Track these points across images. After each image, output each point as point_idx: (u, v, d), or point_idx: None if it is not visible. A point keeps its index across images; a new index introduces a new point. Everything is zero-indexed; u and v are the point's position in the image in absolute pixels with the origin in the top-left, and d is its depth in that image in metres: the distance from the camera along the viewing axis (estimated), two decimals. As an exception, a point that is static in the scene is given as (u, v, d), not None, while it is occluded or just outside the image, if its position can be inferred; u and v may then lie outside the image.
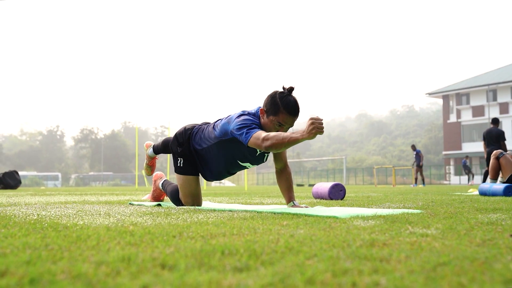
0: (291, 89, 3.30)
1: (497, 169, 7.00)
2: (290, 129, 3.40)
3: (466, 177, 41.75)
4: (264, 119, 3.33)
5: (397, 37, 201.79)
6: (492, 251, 1.43)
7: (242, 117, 3.34)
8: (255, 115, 3.41)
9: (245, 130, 3.20)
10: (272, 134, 3.03)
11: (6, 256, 1.33)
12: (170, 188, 4.14)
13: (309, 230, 1.98)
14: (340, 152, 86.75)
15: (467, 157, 29.61)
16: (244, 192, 9.29)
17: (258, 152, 3.54)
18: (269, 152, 3.59)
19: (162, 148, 4.35)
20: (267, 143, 3.02)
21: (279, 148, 3.03)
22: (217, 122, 3.67)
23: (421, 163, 20.71)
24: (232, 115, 3.48)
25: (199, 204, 3.87)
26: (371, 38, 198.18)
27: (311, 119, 2.86)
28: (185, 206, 3.83)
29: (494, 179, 7.02)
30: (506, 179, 6.83)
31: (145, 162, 4.68)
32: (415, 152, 20.98)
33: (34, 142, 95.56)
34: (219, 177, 3.86)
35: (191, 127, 3.89)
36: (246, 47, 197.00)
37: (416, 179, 21.36)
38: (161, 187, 4.42)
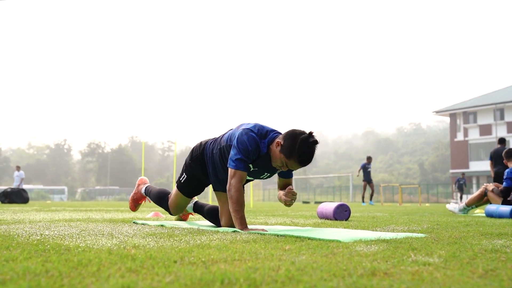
0: (315, 142, 3.24)
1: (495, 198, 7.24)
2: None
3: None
4: (275, 149, 3.38)
5: (405, 55, 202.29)
6: (493, 284, 1.41)
7: (245, 140, 3.37)
8: (261, 133, 3.44)
9: (236, 156, 3.39)
10: (238, 192, 3.35)
11: (5, 283, 1.33)
12: (156, 191, 4.36)
13: (310, 256, 1.98)
14: (346, 169, 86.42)
15: (463, 174, 29.22)
16: (249, 210, 9.25)
17: (255, 169, 3.56)
18: (271, 174, 3.68)
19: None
20: (231, 190, 3.37)
21: (229, 200, 3.39)
22: (229, 131, 3.73)
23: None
24: (240, 129, 3.48)
25: (178, 213, 4.27)
26: (379, 55, 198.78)
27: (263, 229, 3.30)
28: (170, 212, 4.22)
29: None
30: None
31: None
32: (370, 166, 18.86)
33: (42, 155, 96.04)
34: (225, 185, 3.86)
35: (206, 140, 3.99)
36: (253, 62, 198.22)
37: (371, 195, 19.11)
38: (143, 192, 4.54)
